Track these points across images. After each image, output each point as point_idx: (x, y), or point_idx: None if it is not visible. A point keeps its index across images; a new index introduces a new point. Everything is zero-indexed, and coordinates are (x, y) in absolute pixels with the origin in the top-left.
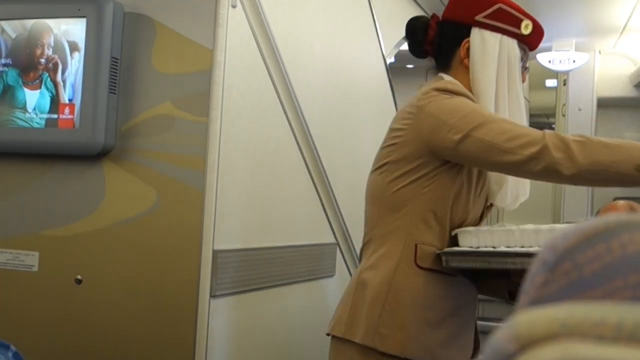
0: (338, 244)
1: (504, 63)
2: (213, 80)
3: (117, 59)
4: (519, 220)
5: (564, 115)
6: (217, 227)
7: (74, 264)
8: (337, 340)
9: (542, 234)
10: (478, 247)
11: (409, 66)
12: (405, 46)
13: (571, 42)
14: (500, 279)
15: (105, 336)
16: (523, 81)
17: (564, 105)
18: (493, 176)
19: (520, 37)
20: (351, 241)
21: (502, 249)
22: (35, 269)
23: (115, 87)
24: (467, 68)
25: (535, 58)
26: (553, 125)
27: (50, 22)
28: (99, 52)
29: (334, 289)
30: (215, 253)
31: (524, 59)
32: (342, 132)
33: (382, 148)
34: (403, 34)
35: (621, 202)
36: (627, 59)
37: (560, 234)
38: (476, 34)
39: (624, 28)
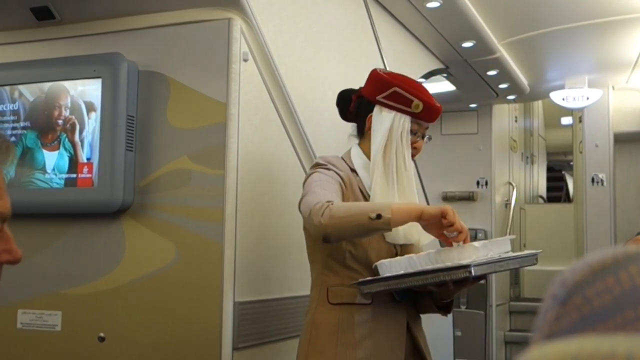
0: None
1: (392, 135)
2: (228, 133)
3: (133, 116)
4: (542, 256)
5: (581, 152)
6: (238, 278)
7: (97, 322)
8: None
9: (431, 255)
10: (390, 274)
11: None
12: None
13: (584, 79)
14: (426, 298)
15: None
16: (418, 148)
17: (580, 142)
18: None
19: (412, 114)
20: None
21: (403, 272)
22: (58, 328)
23: (132, 144)
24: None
25: (548, 97)
26: (571, 163)
27: (67, 84)
28: (115, 111)
29: None
30: (237, 305)
31: (418, 131)
32: None
33: None
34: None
35: None
36: None
37: (569, 269)
38: (377, 110)
39: (635, 63)
